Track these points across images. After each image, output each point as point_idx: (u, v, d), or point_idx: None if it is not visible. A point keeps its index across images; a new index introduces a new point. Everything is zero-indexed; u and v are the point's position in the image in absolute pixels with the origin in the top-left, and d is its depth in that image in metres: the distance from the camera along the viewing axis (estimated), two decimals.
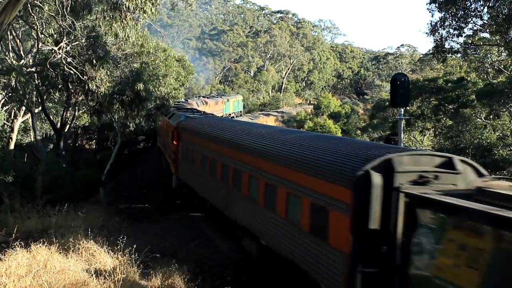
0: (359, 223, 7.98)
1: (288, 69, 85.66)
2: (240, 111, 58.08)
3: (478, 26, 23.98)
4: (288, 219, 10.48)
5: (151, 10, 15.70)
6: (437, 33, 24.09)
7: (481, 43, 26.56)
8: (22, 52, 24.62)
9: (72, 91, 22.14)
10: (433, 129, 31.32)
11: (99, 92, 19.46)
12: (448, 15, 23.39)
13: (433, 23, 24.20)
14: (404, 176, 7.98)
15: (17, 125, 27.13)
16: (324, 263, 9.01)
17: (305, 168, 9.88)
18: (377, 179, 7.99)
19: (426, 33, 24.93)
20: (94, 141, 40.68)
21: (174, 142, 21.29)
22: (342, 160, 9.05)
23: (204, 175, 16.82)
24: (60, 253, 10.18)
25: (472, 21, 23.60)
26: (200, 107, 39.08)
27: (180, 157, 20.51)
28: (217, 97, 52.77)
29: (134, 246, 10.97)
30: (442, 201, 6.77)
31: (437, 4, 23.81)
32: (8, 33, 21.29)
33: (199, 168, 17.49)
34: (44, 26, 20.18)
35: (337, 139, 12.17)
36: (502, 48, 25.09)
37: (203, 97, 50.41)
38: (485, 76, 30.04)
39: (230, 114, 52.63)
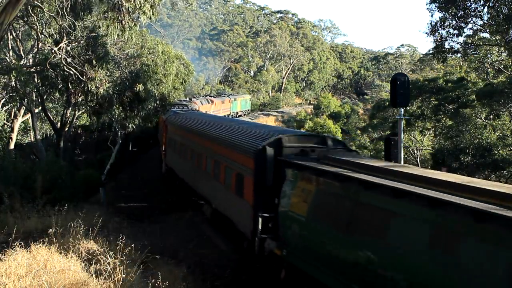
0: (259, 182, 11.51)
1: (288, 69, 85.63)
2: (248, 110, 60.62)
3: (478, 26, 23.97)
4: (225, 186, 14.08)
5: (150, 12, 15.70)
6: (437, 33, 24.06)
7: (481, 43, 26.54)
8: (22, 52, 24.61)
9: (72, 91, 22.14)
10: (433, 129, 31.29)
11: (98, 93, 19.46)
12: (448, 15, 23.37)
13: (433, 23, 24.16)
14: (290, 150, 11.56)
15: (17, 125, 27.11)
16: (241, 213, 12.60)
17: (232, 147, 13.76)
18: (270, 151, 11.49)
19: (426, 33, 24.88)
20: (95, 141, 40.65)
21: (164, 134, 25.02)
22: (251, 140, 12.84)
23: (181, 159, 20.90)
24: (60, 253, 10.17)
25: (472, 21, 23.59)
26: (203, 105, 42.18)
27: (167, 146, 24.33)
28: (224, 96, 54.45)
29: (134, 245, 10.97)
30: (296, 162, 10.48)
31: (437, 4, 23.80)
32: (8, 33, 21.28)
33: (178, 154, 21.54)
34: (44, 26, 20.18)
35: (253, 125, 17.72)
36: (502, 48, 25.07)
37: (209, 96, 51.84)
38: (485, 76, 30.02)
39: (237, 113, 54.97)
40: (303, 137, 12.46)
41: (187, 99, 42.16)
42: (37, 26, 19.82)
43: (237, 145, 13.42)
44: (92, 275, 8.95)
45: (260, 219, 10.99)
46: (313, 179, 9.79)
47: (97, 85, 18.94)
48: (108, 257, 9.48)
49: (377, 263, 7.60)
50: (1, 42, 18.85)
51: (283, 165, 10.98)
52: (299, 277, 10.06)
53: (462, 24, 23.33)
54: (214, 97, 51.66)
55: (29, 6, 18.34)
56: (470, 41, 25.65)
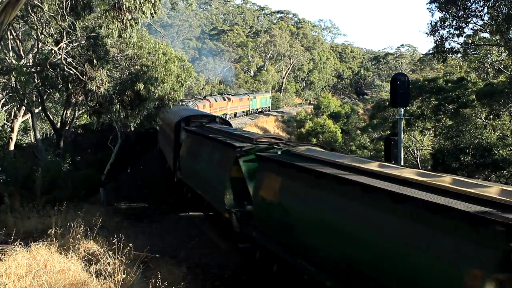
0: (177, 141, 21.11)
1: (288, 69, 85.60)
2: (269, 107, 67.64)
3: (479, 26, 23.97)
4: (169, 147, 23.15)
5: (151, 10, 15.67)
6: (437, 33, 24.08)
7: (481, 43, 26.54)
8: (22, 52, 24.57)
9: (72, 91, 22.10)
10: (433, 129, 31.29)
11: (99, 92, 19.45)
12: (448, 15, 23.37)
13: (433, 23, 24.19)
14: (194, 123, 20.90)
15: (17, 125, 27.08)
16: (170, 158, 22.56)
17: (170, 123, 23.36)
18: (182, 124, 21.02)
19: (426, 33, 24.91)
20: (95, 141, 40.57)
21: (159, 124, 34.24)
22: (176, 118, 22.31)
23: (161, 138, 30.12)
24: (60, 253, 10.17)
25: (472, 21, 23.59)
26: (217, 102, 49.53)
27: (159, 132, 32.77)
28: (243, 95, 60.96)
29: (134, 245, 10.96)
30: (187, 128, 20.26)
31: (437, 4, 23.80)
32: (8, 33, 21.26)
33: (160, 135, 30.59)
34: (44, 26, 20.16)
35: (187, 110, 27.69)
36: (502, 48, 25.07)
37: (227, 94, 57.48)
38: (485, 76, 30.02)
39: (257, 109, 62.86)
40: (203, 117, 22.56)
41: (202, 97, 48.51)
42: (37, 26, 19.81)
43: (171, 122, 22.87)
44: (92, 275, 8.95)
45: (177, 160, 20.50)
46: (189, 136, 19.64)
47: (98, 85, 18.92)
48: (108, 257, 9.47)
49: (201, 172, 16.48)
50: (1, 42, 18.83)
51: (185, 131, 20.27)
52: (188, 189, 19.17)
53: (463, 24, 23.34)
54: (232, 95, 57.00)
55: (29, 6, 18.33)
56: (470, 41, 25.65)
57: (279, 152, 11.99)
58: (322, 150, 11.93)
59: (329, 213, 8.53)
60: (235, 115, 54.82)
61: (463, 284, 5.55)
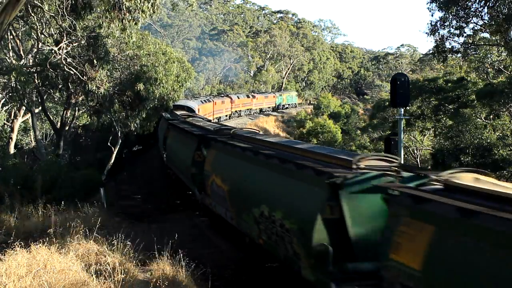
0: (159, 121, 28.79)
1: (288, 69, 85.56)
2: (295, 103, 74.32)
3: (479, 26, 23.97)
4: (157, 126, 30.01)
5: (150, 10, 15.65)
6: (437, 33, 24.09)
7: (481, 43, 26.54)
8: (22, 52, 24.59)
9: (72, 91, 22.13)
10: (433, 129, 31.29)
11: (99, 93, 19.45)
12: (448, 15, 23.38)
13: (433, 23, 24.20)
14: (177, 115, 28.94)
15: (17, 125, 27.10)
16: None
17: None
18: (166, 116, 28.08)
19: (426, 33, 24.93)
20: (95, 141, 40.51)
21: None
22: (165, 113, 28.54)
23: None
24: (60, 253, 10.16)
25: (472, 21, 23.59)
26: (240, 99, 55.46)
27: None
28: (270, 93, 68.85)
29: (134, 246, 10.96)
30: (167, 116, 28.06)
31: (437, 3, 23.80)
32: (8, 33, 21.27)
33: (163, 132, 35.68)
34: (44, 26, 20.17)
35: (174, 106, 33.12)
36: (502, 48, 25.07)
37: (252, 91, 65.57)
38: (485, 76, 30.02)
39: (283, 105, 69.38)
40: (183, 110, 31.82)
41: (224, 95, 54.65)
42: (37, 26, 19.82)
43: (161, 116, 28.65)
44: (92, 275, 8.95)
45: (163, 140, 25.05)
46: (164, 122, 26.35)
47: (98, 85, 18.93)
48: (108, 257, 9.47)
49: (159, 134, 28.12)
50: (1, 42, 18.84)
51: (167, 120, 26.20)
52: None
53: (463, 24, 23.35)
54: (257, 93, 64.90)
55: (29, 6, 18.33)
56: (470, 41, 25.65)
57: None
58: (198, 118, 26.71)
59: (174, 142, 21.71)
60: (260, 110, 62.69)
61: (193, 157, 16.53)
